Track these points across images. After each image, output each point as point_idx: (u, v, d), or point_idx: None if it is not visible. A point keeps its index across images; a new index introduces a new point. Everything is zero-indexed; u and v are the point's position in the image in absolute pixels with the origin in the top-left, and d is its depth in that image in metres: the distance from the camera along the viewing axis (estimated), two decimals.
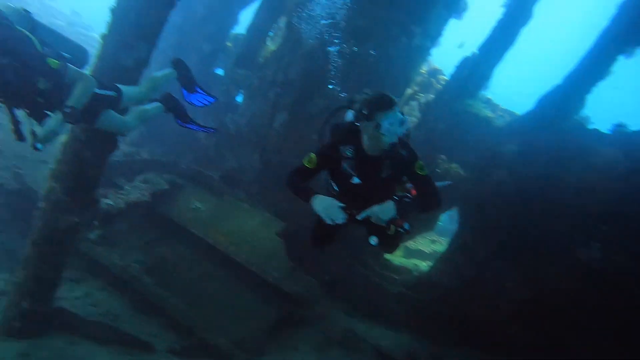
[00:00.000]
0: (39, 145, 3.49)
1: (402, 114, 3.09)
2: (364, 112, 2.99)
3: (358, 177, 3.28)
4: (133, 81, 4.57)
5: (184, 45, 9.48)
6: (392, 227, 3.36)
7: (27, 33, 3.33)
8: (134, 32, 4.40)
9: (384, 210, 3.12)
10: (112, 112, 4.05)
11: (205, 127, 4.94)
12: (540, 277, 6.23)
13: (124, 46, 4.43)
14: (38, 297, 5.48)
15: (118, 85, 4.12)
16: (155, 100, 4.58)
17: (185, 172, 8.38)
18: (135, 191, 7.34)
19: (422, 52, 8.13)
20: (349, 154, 3.23)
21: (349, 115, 3.52)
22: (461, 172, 7.19)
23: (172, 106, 4.60)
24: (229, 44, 10.42)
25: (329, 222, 3.01)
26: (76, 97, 3.48)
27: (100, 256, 7.01)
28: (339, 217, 3.01)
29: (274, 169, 8.19)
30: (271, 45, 9.39)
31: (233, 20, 10.27)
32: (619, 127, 6.35)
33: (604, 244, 5.80)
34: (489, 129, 7.17)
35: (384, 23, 7.13)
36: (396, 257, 9.15)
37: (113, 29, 4.54)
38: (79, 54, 3.94)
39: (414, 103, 8.93)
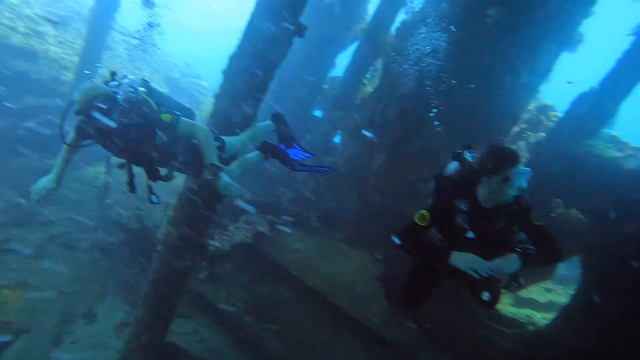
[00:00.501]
0: (154, 199, 4.05)
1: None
2: (489, 166, 2.96)
3: (472, 230, 3.17)
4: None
5: (283, 89, 9.92)
6: (506, 281, 3.16)
7: (147, 97, 3.83)
8: (244, 91, 4.67)
9: (508, 264, 3.01)
10: None
11: (317, 167, 5.06)
12: None
13: (234, 104, 4.72)
14: (155, 332, 5.91)
15: (221, 136, 4.37)
16: (256, 149, 4.76)
17: (284, 212, 8.60)
18: (239, 232, 7.69)
19: (530, 89, 7.57)
20: (464, 207, 3.14)
21: (453, 167, 3.42)
22: (582, 218, 6.40)
23: (272, 153, 4.73)
24: (326, 86, 10.71)
25: (475, 276, 2.99)
26: (208, 153, 3.81)
27: (207, 294, 7.41)
28: (487, 270, 2.98)
29: (373, 210, 8.06)
30: (368, 87, 9.47)
31: (330, 63, 10.58)
32: None
33: None
34: (616, 172, 6.31)
35: (487, 61, 6.78)
36: (505, 306, 8.38)
37: (224, 89, 4.87)
38: (186, 113, 4.27)
39: (521, 143, 8.29)
